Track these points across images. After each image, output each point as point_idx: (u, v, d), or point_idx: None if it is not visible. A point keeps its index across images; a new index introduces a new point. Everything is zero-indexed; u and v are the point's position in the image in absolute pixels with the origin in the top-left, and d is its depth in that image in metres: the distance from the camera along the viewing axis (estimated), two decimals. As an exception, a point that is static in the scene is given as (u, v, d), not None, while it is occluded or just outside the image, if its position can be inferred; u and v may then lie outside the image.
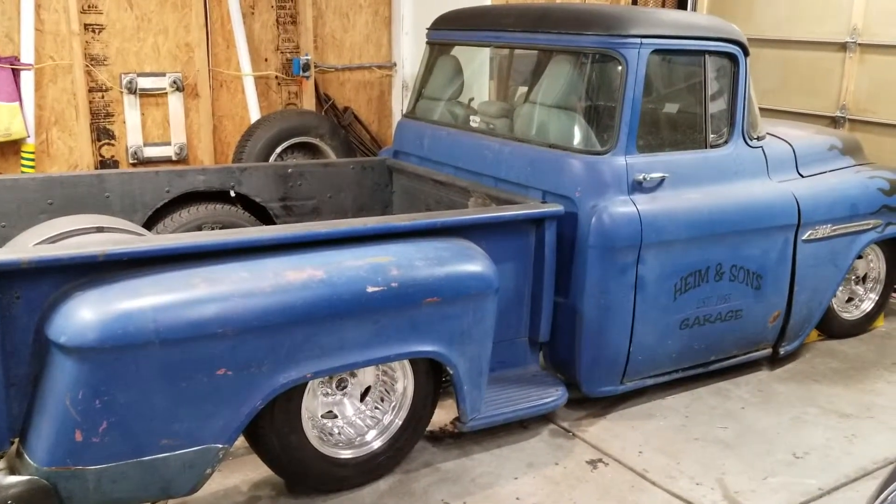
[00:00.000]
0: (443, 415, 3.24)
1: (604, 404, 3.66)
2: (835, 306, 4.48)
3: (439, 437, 3.31)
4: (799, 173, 4.13)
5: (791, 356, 4.23)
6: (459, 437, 3.30)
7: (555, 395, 3.39)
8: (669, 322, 3.60)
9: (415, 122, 4.47)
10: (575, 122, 3.64)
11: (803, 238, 3.96)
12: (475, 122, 4.11)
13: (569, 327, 3.48)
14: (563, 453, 3.27)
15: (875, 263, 4.63)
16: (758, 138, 3.93)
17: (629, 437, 3.42)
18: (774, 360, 4.18)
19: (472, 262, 2.96)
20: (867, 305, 4.65)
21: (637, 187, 3.45)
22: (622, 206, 3.39)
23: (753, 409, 3.74)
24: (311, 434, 2.83)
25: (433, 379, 3.04)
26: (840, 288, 4.50)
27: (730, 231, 3.69)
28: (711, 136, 3.77)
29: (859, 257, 4.51)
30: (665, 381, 3.74)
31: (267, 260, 2.61)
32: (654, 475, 3.14)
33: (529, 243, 3.42)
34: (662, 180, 3.52)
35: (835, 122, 5.63)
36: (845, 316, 4.59)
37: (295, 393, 2.71)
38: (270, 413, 2.69)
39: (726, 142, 3.80)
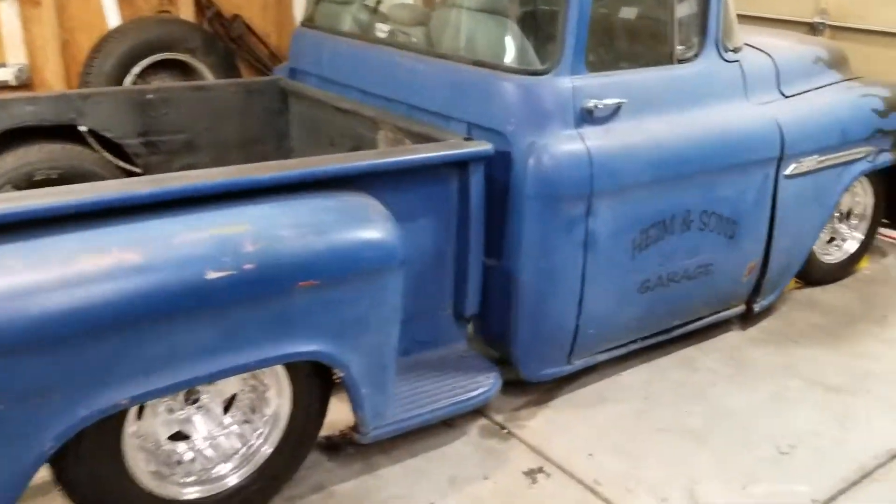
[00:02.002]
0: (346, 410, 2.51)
1: (548, 387, 2.97)
2: (815, 249, 3.84)
3: (337, 446, 2.60)
4: (781, 92, 3.39)
5: (766, 311, 3.59)
6: (364, 445, 2.59)
7: (485, 383, 2.69)
8: (627, 285, 2.90)
9: (313, 31, 3.59)
10: (507, 32, 2.83)
11: (786, 173, 3.26)
12: (383, 31, 3.25)
13: (503, 296, 2.75)
14: (494, 462, 2.58)
15: (861, 198, 3.98)
16: (734, 50, 3.16)
17: (578, 433, 2.75)
18: (748, 318, 3.53)
19: (366, 227, 2.19)
20: (851, 246, 4.02)
21: (587, 117, 2.68)
22: (568, 144, 2.62)
23: (725, 383, 3.09)
24: (143, 469, 2.08)
25: (319, 386, 2.29)
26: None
27: (701, 169, 2.96)
28: (679, 48, 2.99)
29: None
30: (621, 353, 3.07)
31: (52, 240, 1.79)
32: (607, 488, 2.48)
33: (450, 193, 2.64)
34: (619, 108, 2.75)
35: (814, 29, 4.88)
36: (826, 259, 3.95)
37: (111, 422, 1.94)
38: (76, 445, 1.92)
39: (697, 55, 3.03)
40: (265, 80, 3.69)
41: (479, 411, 2.79)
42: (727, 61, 3.12)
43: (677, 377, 3.12)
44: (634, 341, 3.10)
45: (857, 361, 3.27)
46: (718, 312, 3.36)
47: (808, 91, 3.51)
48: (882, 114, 3.59)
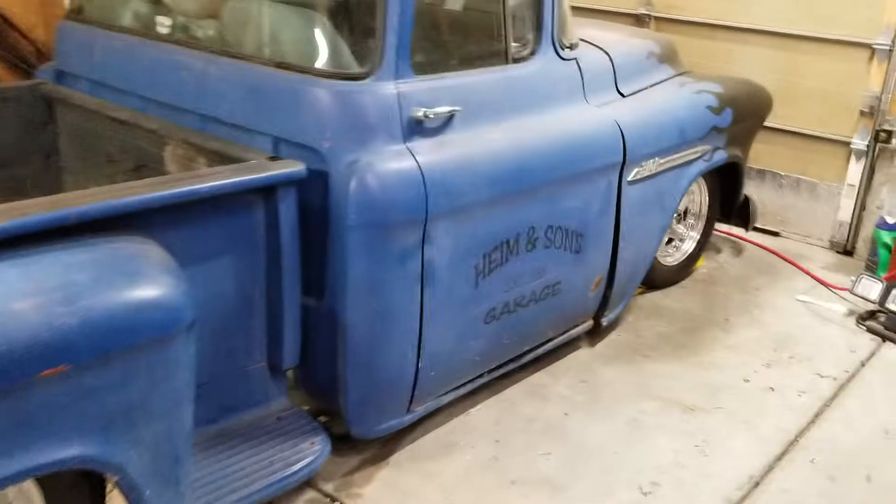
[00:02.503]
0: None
1: (386, 440, 2.57)
2: (657, 254, 3.68)
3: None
4: (619, 92, 3.16)
5: (613, 323, 3.37)
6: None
7: (310, 451, 2.24)
8: (472, 317, 2.55)
9: (82, 25, 2.96)
10: (317, 28, 2.38)
11: (629, 179, 3.03)
12: (165, 25, 2.70)
13: (328, 342, 2.31)
14: (326, 549, 2.16)
15: (697, 196, 3.86)
16: (571, 46, 2.88)
17: (423, 496, 2.37)
18: (596, 333, 3.30)
19: (137, 283, 1.67)
20: (689, 246, 3.90)
21: (416, 129, 2.29)
22: (396, 161, 2.22)
23: (580, 413, 2.83)
24: None
25: (89, 497, 1.76)
26: (662, 230, 3.71)
27: (545, 181, 2.65)
28: (514, 45, 2.66)
29: (682, 191, 3.71)
30: (468, 390, 2.73)
31: None
32: (462, 567, 2.13)
33: (255, 225, 2.17)
34: (452, 116, 2.38)
35: (639, 20, 4.76)
36: (667, 261, 3.81)
37: None
38: None
39: (533, 53, 2.71)
40: (22, 86, 3.02)
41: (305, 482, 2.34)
42: (564, 59, 2.84)
43: (529, 411, 2.81)
44: (481, 375, 2.76)
45: (706, 374, 3.11)
46: (567, 331, 3.10)
47: (644, 89, 3.31)
48: (716, 110, 3.46)
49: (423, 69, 2.34)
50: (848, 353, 3.33)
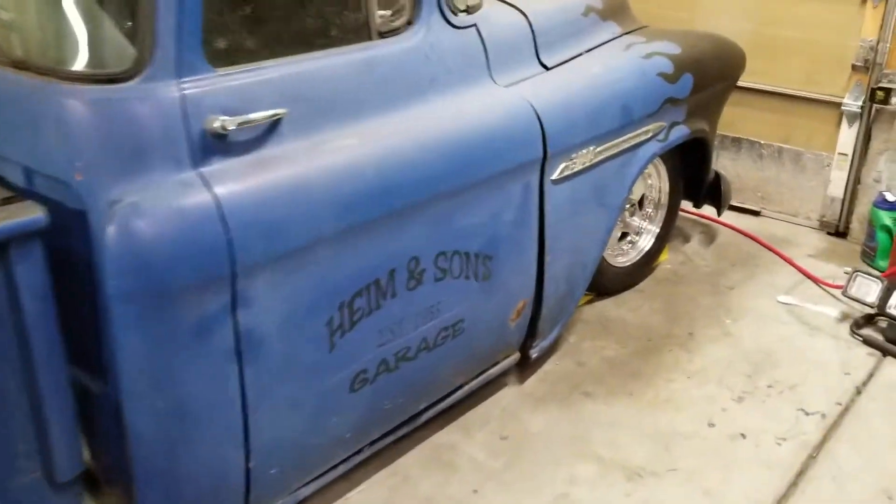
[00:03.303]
0: None
1: (224, 552, 1.96)
2: (605, 255, 3.02)
3: None
4: (541, 63, 2.47)
5: (549, 350, 2.73)
6: None
7: None
8: (328, 389, 1.90)
9: None
10: (63, 11, 1.68)
11: (554, 177, 2.36)
12: None
13: (116, 441, 1.68)
14: None
15: (655, 181, 3.19)
16: (468, 9, 2.19)
17: None
18: (526, 367, 2.66)
19: None
20: (646, 242, 3.23)
21: (215, 146, 1.61)
22: (180, 196, 1.54)
23: (493, 488, 2.20)
24: None
25: None
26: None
27: (428, 197, 1.98)
28: (380, 14, 1.98)
29: (635, 177, 3.04)
30: (347, 468, 2.10)
31: None
32: None
33: (-22, 299, 1.52)
34: (276, 123, 1.70)
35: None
36: (619, 261, 3.15)
37: None
38: None
39: (410, 22, 2.03)
40: None
41: None
42: (457, 27, 2.15)
43: (427, 488, 2.19)
44: (359, 451, 2.13)
45: (661, 416, 2.48)
46: (483, 373, 2.46)
47: (578, 56, 2.62)
48: (671, 77, 2.76)
49: (225, 59, 1.65)
50: (840, 375, 2.70)
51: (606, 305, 3.09)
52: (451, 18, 2.13)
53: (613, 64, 2.64)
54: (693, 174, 3.27)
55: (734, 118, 3.73)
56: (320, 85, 1.82)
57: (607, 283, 3.09)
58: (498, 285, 2.29)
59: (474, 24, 2.21)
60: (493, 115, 2.16)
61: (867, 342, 2.86)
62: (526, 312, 2.47)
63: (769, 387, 2.63)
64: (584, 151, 2.44)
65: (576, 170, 2.43)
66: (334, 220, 1.76)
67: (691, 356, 2.78)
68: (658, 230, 3.23)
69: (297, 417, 1.84)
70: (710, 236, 3.65)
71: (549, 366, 2.73)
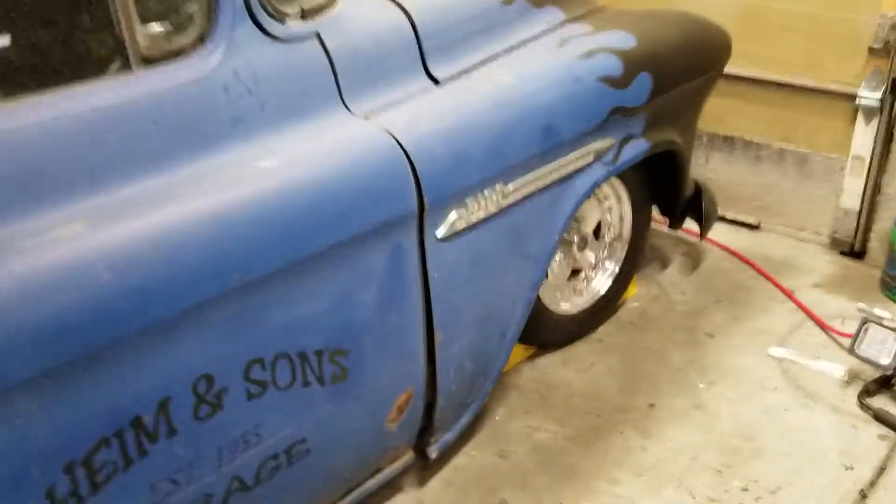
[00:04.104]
0: None
1: None
2: (545, 300, 2.39)
3: None
4: (429, 74, 1.83)
5: (460, 440, 2.13)
6: None
7: None
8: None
9: None
10: None
11: (440, 234, 1.74)
12: None
13: None
14: None
15: (614, 205, 2.54)
16: (304, 13, 1.56)
17: None
18: (427, 466, 2.07)
19: None
20: (602, 282, 2.58)
21: None
22: None
23: None
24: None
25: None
26: (551, 268, 2.42)
27: (214, 295, 1.36)
28: (147, 32, 1.36)
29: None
30: None
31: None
32: None
33: None
34: None
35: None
36: (565, 308, 2.52)
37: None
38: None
39: (202, 40, 1.41)
40: None
41: None
42: (285, 40, 1.52)
43: None
44: None
45: (597, 542, 1.89)
46: (354, 489, 1.87)
47: (487, 60, 1.97)
48: (619, 81, 2.10)
49: None
50: (840, 469, 2.06)
51: (550, 363, 2.48)
52: (273, 28, 1.50)
53: (533, 70, 1.98)
54: (667, 188, 2.62)
55: (724, 112, 3.05)
56: (23, 148, 1.22)
57: (549, 335, 2.48)
58: (360, 385, 1.69)
59: (315, 34, 1.58)
60: (330, 162, 1.54)
61: (879, 418, 2.21)
62: (414, 406, 1.87)
63: (744, 490, 2.01)
64: (487, 193, 1.81)
65: (472, 221, 1.80)
66: (35, 360, 1.17)
67: (648, 443, 2.16)
68: (618, 268, 2.58)
69: None
70: (693, 259, 2.99)
71: (461, 459, 2.13)
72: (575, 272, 2.55)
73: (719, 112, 3.01)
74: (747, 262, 2.94)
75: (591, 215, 2.50)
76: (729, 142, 3.14)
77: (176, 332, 1.33)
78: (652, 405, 2.29)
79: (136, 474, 1.34)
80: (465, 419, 2.06)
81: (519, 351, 2.45)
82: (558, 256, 2.45)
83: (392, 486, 2.02)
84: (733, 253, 3.00)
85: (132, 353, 1.28)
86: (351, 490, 1.87)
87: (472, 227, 1.80)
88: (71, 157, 1.26)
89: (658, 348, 2.52)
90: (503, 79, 1.91)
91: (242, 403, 1.47)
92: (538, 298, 2.33)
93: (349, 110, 1.64)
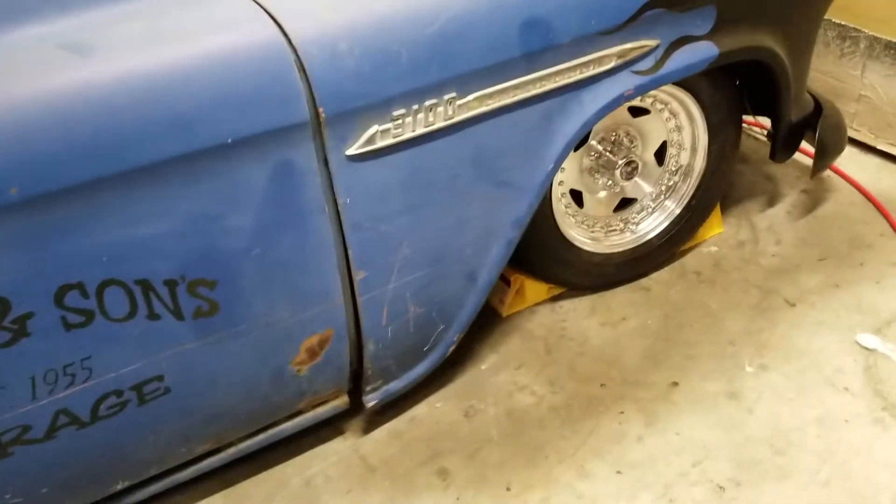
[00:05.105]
0: None
1: None
2: (567, 233, 1.95)
3: None
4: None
5: (426, 388, 1.82)
6: None
7: None
8: None
9: None
10: None
11: (349, 153, 1.38)
12: None
13: None
14: None
15: (686, 128, 1.98)
16: None
17: None
18: (388, 409, 1.79)
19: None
20: (653, 225, 2.07)
21: None
22: None
23: None
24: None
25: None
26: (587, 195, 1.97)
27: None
28: None
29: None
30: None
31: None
32: None
33: None
34: None
35: None
36: (596, 246, 2.04)
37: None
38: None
39: None
40: None
41: None
42: None
43: None
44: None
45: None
46: (267, 430, 1.65)
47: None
48: (667, -40, 1.55)
49: None
50: (894, 519, 1.54)
51: (574, 309, 2.06)
52: None
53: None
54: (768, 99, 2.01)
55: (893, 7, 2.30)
56: None
57: (575, 277, 2.04)
58: (238, 322, 1.42)
59: None
60: (173, 50, 1.22)
61: (981, 456, 1.62)
62: (335, 349, 1.58)
63: (749, 520, 1.55)
64: (430, 104, 1.41)
65: (406, 135, 1.41)
66: None
67: (647, 432, 1.73)
68: (678, 209, 2.06)
69: None
70: (812, 199, 2.36)
71: (422, 409, 1.83)
72: (626, 204, 2.07)
73: (885, 6, 2.28)
74: (883, 213, 2.27)
75: (653, 134, 1.98)
76: (892, 49, 2.38)
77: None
78: (675, 384, 1.84)
79: None
80: (420, 368, 1.74)
81: (541, 289, 2.06)
82: (600, 181, 1.98)
83: (333, 427, 1.78)
84: (868, 197, 2.33)
85: None
86: (261, 430, 1.65)
87: (403, 145, 1.42)
88: None
89: (715, 310, 2.02)
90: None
91: (58, 332, 1.26)
92: (559, 232, 1.92)
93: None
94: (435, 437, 1.76)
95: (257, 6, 1.29)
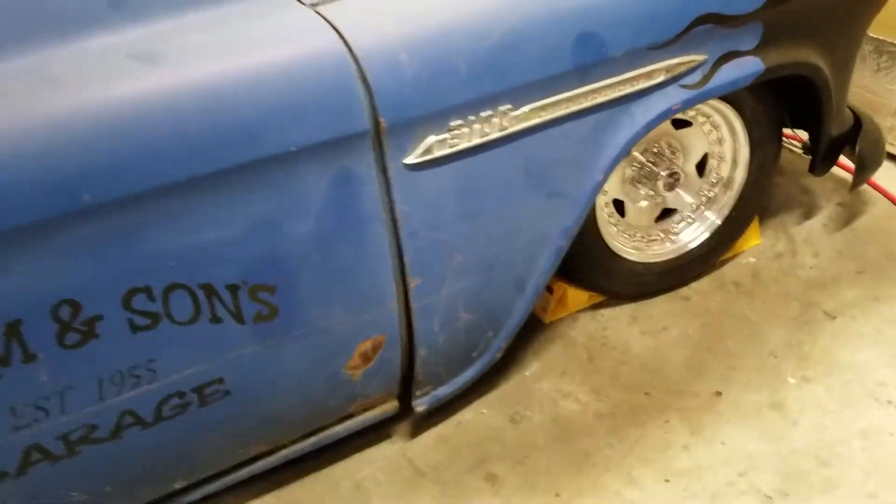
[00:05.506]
0: None
1: None
2: (611, 242, 1.98)
3: None
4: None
5: (472, 394, 1.85)
6: None
7: None
8: None
9: None
10: None
11: (409, 161, 1.41)
12: None
13: None
14: None
15: (727, 141, 2.00)
16: None
17: None
18: (421, 418, 1.82)
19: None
20: (694, 234, 2.09)
21: None
22: None
23: None
24: None
25: None
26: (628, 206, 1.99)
27: (68, 212, 1.18)
28: None
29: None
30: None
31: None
32: None
33: None
34: None
35: None
36: (639, 256, 2.06)
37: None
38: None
39: None
40: None
41: None
42: None
43: None
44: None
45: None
46: (318, 433, 1.68)
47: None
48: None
49: None
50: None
51: (615, 317, 2.08)
52: None
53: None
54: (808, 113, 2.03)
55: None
56: None
57: (616, 285, 2.07)
58: (296, 326, 1.45)
59: None
60: (242, 60, 1.26)
61: None
62: (388, 355, 1.61)
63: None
64: (485, 115, 1.44)
65: (463, 146, 1.44)
66: None
67: (693, 441, 1.75)
68: (720, 220, 2.08)
69: None
70: (849, 212, 2.37)
71: (468, 414, 1.85)
72: (667, 214, 2.09)
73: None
74: (922, 226, 2.29)
75: (695, 146, 2.01)
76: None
77: (23, 249, 1.16)
78: (718, 393, 1.85)
79: (-18, 397, 1.23)
80: (468, 374, 1.77)
81: (581, 297, 2.08)
82: (642, 191, 2.01)
83: (382, 431, 1.81)
84: (903, 207, 2.35)
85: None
86: (313, 433, 1.68)
87: (460, 155, 1.45)
88: None
89: (756, 321, 2.03)
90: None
91: (125, 335, 1.30)
92: (602, 241, 1.94)
93: (293, -5, 1.34)
94: (482, 442, 1.78)
95: (320, 18, 1.33)
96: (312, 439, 1.68)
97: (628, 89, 1.59)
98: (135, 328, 1.30)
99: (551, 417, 1.83)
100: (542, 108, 1.50)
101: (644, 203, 2.03)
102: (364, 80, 1.31)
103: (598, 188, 1.67)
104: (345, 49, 1.30)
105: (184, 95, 1.22)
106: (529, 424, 1.82)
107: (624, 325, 2.06)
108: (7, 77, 1.15)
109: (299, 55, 1.30)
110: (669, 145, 1.99)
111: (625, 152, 1.66)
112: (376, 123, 1.34)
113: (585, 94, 1.53)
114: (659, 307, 2.10)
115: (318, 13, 1.33)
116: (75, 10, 1.27)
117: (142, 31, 1.29)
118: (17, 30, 1.21)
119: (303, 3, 1.36)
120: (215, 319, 1.36)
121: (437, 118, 1.40)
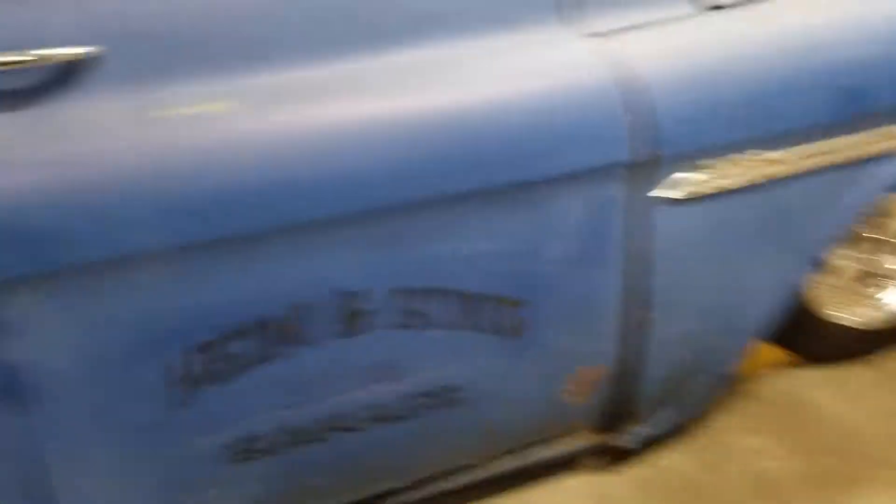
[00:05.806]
0: None
1: None
2: (814, 300, 1.94)
3: None
4: (704, -1, 1.50)
5: (662, 439, 1.83)
6: None
7: None
8: (181, 455, 1.33)
9: None
10: None
11: (672, 196, 1.43)
12: None
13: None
14: None
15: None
16: None
17: None
18: (617, 459, 1.81)
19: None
20: (903, 299, 2.05)
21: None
22: None
23: None
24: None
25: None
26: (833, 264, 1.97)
27: (381, 206, 1.24)
28: None
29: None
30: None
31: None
32: None
33: None
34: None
35: None
36: (843, 317, 2.02)
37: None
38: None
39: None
40: None
41: None
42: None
43: None
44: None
45: None
46: (515, 451, 1.69)
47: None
48: None
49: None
50: None
51: (806, 377, 2.03)
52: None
53: (841, 10, 1.53)
54: None
55: None
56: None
57: (815, 346, 2.03)
58: (535, 345, 1.48)
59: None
60: (522, 86, 1.31)
61: None
62: (605, 387, 1.62)
63: None
64: (746, 157, 1.46)
65: (720, 186, 1.46)
66: (155, 235, 1.13)
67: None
68: (930, 288, 2.03)
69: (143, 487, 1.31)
70: None
71: (662, 458, 1.83)
72: (869, 275, 2.05)
73: None
74: None
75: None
76: None
77: (325, 236, 1.24)
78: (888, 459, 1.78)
79: (266, 373, 1.29)
80: (672, 416, 1.76)
81: (772, 354, 2.05)
82: (845, 251, 1.98)
83: (578, 462, 1.81)
84: None
85: (264, 251, 1.21)
86: (510, 451, 1.69)
87: (709, 196, 1.47)
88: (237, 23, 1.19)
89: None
90: (794, 17, 1.50)
91: (390, 331, 1.35)
92: (808, 307, 1.91)
93: (568, 27, 1.38)
94: (679, 490, 1.76)
95: (587, 49, 1.37)
96: (513, 460, 1.70)
97: (884, 146, 1.57)
98: (398, 326, 1.35)
99: (747, 472, 1.79)
100: (800, 156, 1.50)
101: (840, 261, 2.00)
102: (628, 112, 1.34)
103: (832, 242, 1.66)
104: (612, 81, 1.34)
105: (460, 117, 1.27)
106: (726, 477, 1.79)
107: (815, 386, 2.01)
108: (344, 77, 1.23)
109: (569, 85, 1.33)
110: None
111: (864, 209, 1.65)
112: (635, 155, 1.37)
113: (842, 147, 1.53)
114: (853, 372, 2.05)
115: (584, 45, 1.37)
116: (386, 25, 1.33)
117: (426, 53, 1.32)
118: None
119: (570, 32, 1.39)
120: (467, 327, 1.41)
121: (694, 156, 1.42)
